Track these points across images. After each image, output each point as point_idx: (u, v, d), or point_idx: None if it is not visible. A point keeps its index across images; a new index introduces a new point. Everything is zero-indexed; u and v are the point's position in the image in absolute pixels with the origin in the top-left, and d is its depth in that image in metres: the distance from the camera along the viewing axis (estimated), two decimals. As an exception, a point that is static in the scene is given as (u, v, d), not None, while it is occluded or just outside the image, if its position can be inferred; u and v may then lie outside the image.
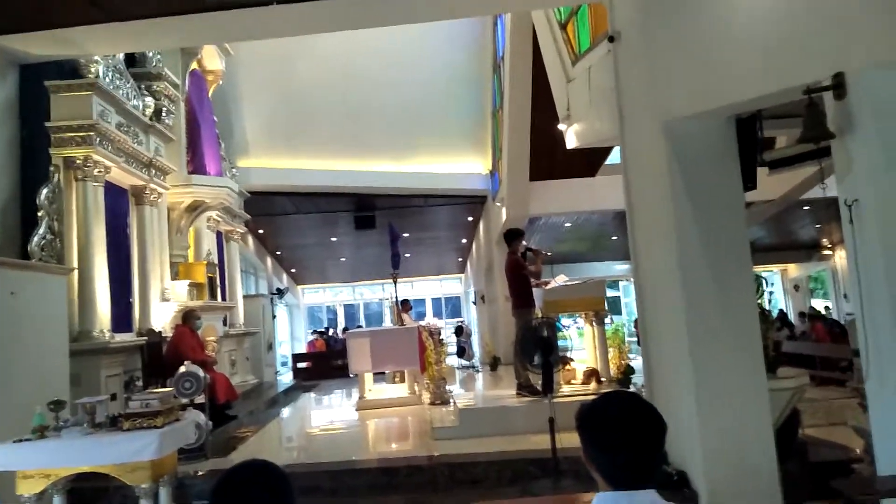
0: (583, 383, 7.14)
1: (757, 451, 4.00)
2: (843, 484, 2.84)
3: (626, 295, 20.85)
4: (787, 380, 4.59)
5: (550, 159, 11.23)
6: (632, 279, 5.36)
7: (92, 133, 6.81)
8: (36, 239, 6.20)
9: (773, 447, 4.03)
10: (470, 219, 16.86)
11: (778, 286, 20.81)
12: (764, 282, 5.37)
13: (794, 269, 20.24)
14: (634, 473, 1.41)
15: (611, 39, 5.25)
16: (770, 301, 17.59)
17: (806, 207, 13.31)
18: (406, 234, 15.84)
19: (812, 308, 16.39)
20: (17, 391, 4.85)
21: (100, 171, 7.06)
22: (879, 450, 2.91)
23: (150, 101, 8.45)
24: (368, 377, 9.35)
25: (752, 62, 3.47)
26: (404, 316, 11.66)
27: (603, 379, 7.07)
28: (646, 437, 1.42)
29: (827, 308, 16.57)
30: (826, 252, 17.41)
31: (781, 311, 16.32)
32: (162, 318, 8.35)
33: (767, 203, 11.61)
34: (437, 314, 24.49)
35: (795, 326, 13.20)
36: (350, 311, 25.92)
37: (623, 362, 7.40)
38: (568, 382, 7.21)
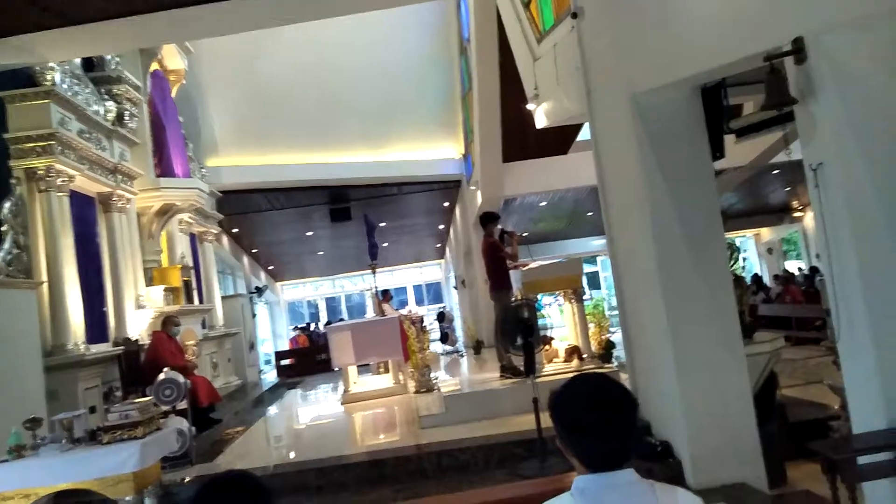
0: (565, 361, 7.19)
1: (737, 416, 4.06)
2: (822, 445, 2.89)
3: (605, 269, 21.01)
4: (763, 344, 4.67)
5: (522, 140, 11.22)
6: (608, 254, 5.38)
7: (52, 142, 6.65)
8: (1, 254, 6.05)
9: (753, 411, 4.10)
10: (446, 204, 16.81)
11: (752, 250, 21.12)
12: (737, 249, 5.42)
13: (767, 233, 20.53)
14: (609, 454, 1.40)
15: (574, 16, 5.22)
16: (745, 266, 17.84)
17: (775, 171, 13.48)
18: (383, 224, 15.76)
19: (785, 270, 16.67)
20: (-9, 411, 4.75)
21: (63, 181, 6.90)
22: (854, 408, 2.97)
23: (111, 105, 8.26)
24: (352, 370, 9.31)
25: (712, 32, 3.48)
26: (385, 306, 11.63)
27: (585, 355, 7.11)
28: (616, 417, 1.41)
29: (800, 269, 16.85)
30: (797, 214, 17.68)
31: (756, 275, 16.56)
32: (138, 326, 8.23)
33: (737, 170, 11.74)
34: (419, 301, 24.48)
35: (770, 289, 13.40)
36: (332, 304, 25.81)
37: (603, 337, 7.45)
38: (550, 361, 7.25)
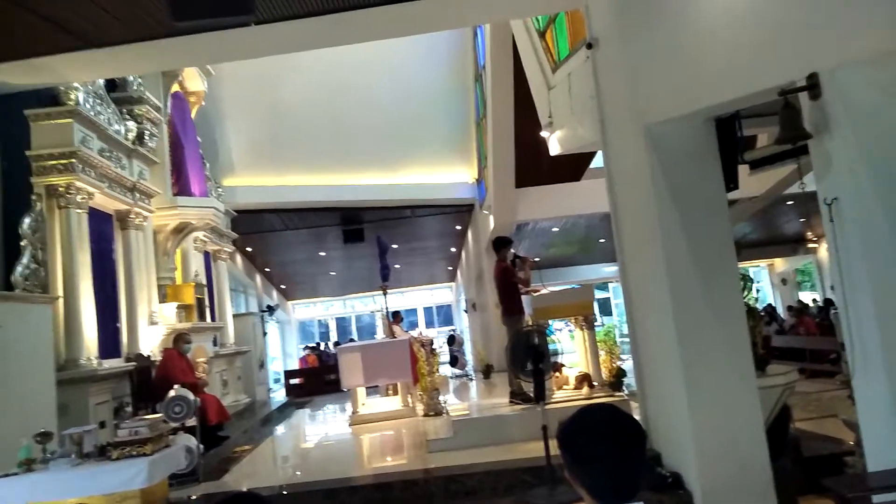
0: (575, 388, 7.14)
1: (749, 449, 4.01)
2: (835, 482, 2.85)
3: (617, 296, 20.91)
4: (776, 377, 4.62)
5: (535, 165, 11.27)
6: (619, 281, 5.36)
7: (74, 160, 6.76)
8: (19, 269, 6.14)
9: (765, 445, 4.04)
10: (458, 227, 16.88)
11: (766, 281, 20.94)
12: (750, 279, 5.39)
13: (781, 263, 20.38)
14: (618, 487, 1.40)
15: (589, 46, 5.27)
16: (758, 297, 17.68)
17: (790, 202, 13.43)
18: (395, 246, 15.83)
19: (799, 301, 16.51)
20: (2, 424, 4.78)
21: (83, 198, 7.01)
22: (868, 445, 2.93)
23: (132, 125, 8.42)
24: (361, 391, 9.31)
25: (727, 65, 3.51)
26: (395, 328, 11.63)
27: (595, 383, 7.07)
28: (626, 449, 1.41)
29: (814, 300, 16.68)
30: (811, 245, 17.55)
31: (770, 305, 16.41)
32: (150, 342, 8.29)
33: (751, 200, 11.72)
34: (429, 323, 24.47)
35: (784, 320, 13.27)
36: (342, 324, 25.83)
37: (614, 365, 7.40)
38: (560, 388, 7.20)
